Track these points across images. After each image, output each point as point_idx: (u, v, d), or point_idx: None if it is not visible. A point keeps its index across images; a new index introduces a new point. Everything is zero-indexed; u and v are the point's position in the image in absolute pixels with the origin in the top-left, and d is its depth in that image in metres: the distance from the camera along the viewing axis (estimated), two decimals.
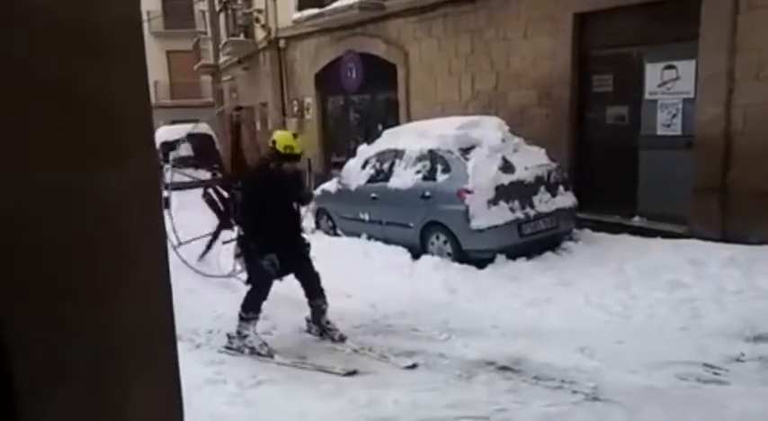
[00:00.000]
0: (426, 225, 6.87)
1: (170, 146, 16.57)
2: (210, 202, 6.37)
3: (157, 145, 17.26)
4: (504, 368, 4.16)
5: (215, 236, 6.49)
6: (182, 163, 16.11)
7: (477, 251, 6.44)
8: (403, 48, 10.73)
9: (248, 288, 4.84)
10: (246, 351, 4.72)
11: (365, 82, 11.28)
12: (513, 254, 6.39)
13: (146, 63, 0.70)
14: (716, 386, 3.74)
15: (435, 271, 6.35)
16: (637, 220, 7.31)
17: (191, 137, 16.33)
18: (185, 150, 16.23)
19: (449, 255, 6.64)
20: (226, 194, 6.34)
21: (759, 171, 6.22)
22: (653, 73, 7.23)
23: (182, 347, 4.44)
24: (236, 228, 5.45)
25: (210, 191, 6.43)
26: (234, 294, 6.23)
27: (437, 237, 6.80)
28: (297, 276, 4.97)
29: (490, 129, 7.15)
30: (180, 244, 6.06)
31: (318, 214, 8.85)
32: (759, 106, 6.22)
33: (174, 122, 20.66)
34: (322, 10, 11.63)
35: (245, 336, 4.75)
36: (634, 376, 3.87)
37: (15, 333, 0.57)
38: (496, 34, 8.96)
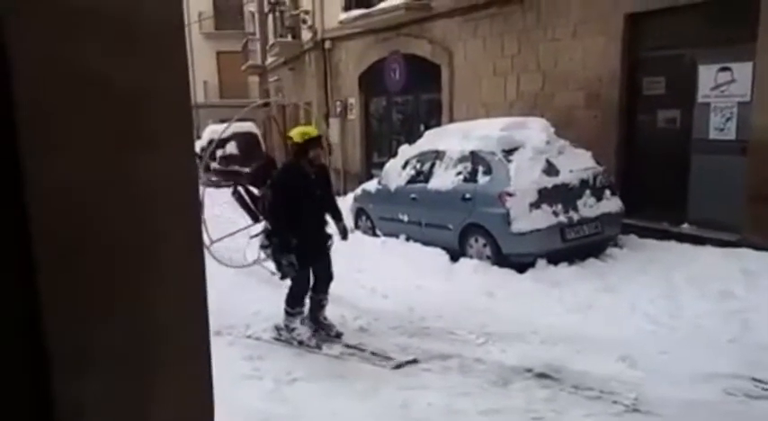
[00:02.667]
0: (466, 227, 6.80)
1: (217, 144, 16.99)
2: (240, 200, 6.42)
3: (205, 142, 17.73)
4: (542, 375, 4.07)
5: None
6: (227, 160, 16.53)
7: (517, 255, 6.34)
8: (448, 48, 10.66)
9: (290, 284, 4.97)
10: (295, 343, 4.90)
11: (409, 82, 11.27)
12: (555, 259, 6.25)
13: (186, 57, 0.72)
14: (766, 402, 3.58)
15: (474, 274, 6.28)
16: (686, 227, 7.05)
17: (237, 135, 16.70)
18: (231, 148, 16.61)
19: (488, 258, 6.55)
20: (256, 191, 6.38)
21: None
22: (706, 75, 6.96)
23: (220, 342, 4.55)
24: (263, 222, 5.53)
25: (240, 189, 6.46)
26: (274, 291, 6.33)
27: (476, 240, 6.72)
28: (313, 266, 5.02)
29: (535, 131, 7.03)
30: (212, 242, 6.11)
31: (357, 214, 8.88)
32: None
33: (222, 121, 21.18)
34: (368, 11, 11.67)
35: (294, 330, 4.96)
36: (678, 388, 3.73)
37: (50, 318, 0.60)
38: (544, 34, 8.80)
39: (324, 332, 5.05)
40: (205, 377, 0.78)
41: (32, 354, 0.58)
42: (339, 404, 3.80)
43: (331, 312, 5.32)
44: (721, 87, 6.84)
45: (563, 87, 8.58)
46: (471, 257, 6.71)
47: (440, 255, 6.93)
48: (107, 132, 0.63)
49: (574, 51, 8.37)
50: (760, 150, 6.34)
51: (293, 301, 4.96)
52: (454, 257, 6.83)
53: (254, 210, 6.19)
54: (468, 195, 6.78)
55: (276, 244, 4.88)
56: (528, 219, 6.25)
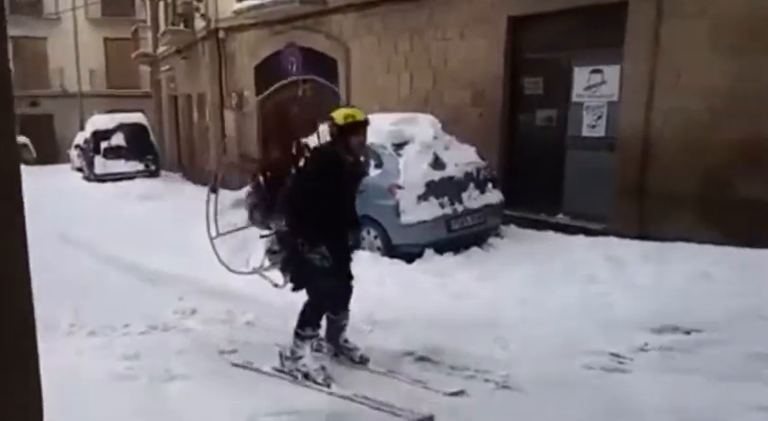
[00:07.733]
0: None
1: (102, 135, 16.05)
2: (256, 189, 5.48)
3: (88, 134, 16.69)
4: (423, 358, 4.23)
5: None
6: (113, 153, 15.66)
7: (406, 245, 6.51)
8: (344, 44, 10.72)
9: (306, 299, 4.08)
10: (300, 376, 3.97)
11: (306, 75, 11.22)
12: (441, 249, 6.49)
13: (6, 47, 0.69)
14: (620, 374, 3.92)
15: (365, 265, 6.35)
16: (561, 218, 7.57)
17: (123, 126, 15.87)
18: (117, 140, 15.76)
19: (379, 249, 6.68)
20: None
21: (674, 173, 6.55)
22: (580, 76, 7.50)
23: (94, 342, 4.24)
24: (273, 224, 4.64)
25: (261, 179, 5.45)
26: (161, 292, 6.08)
27: (368, 232, 6.83)
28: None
29: (423, 127, 7.24)
30: (218, 234, 5.34)
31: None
32: (676, 112, 6.54)
33: (109, 111, 20.04)
34: (263, 1, 11.48)
35: (299, 358, 4.01)
36: (545, 365, 4.00)
37: None
38: (435, 34, 9.08)
39: (345, 357, 4.24)
40: (34, 379, 0.74)
41: None
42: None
43: (221, 307, 5.20)
44: (593, 88, 7.40)
45: (452, 85, 8.90)
46: (364, 249, 6.81)
47: None
48: None
49: (462, 51, 8.70)
50: (626, 147, 6.92)
51: (306, 322, 4.00)
52: None
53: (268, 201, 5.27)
54: (360, 188, 6.84)
55: (299, 243, 3.91)
56: (416, 211, 6.44)
